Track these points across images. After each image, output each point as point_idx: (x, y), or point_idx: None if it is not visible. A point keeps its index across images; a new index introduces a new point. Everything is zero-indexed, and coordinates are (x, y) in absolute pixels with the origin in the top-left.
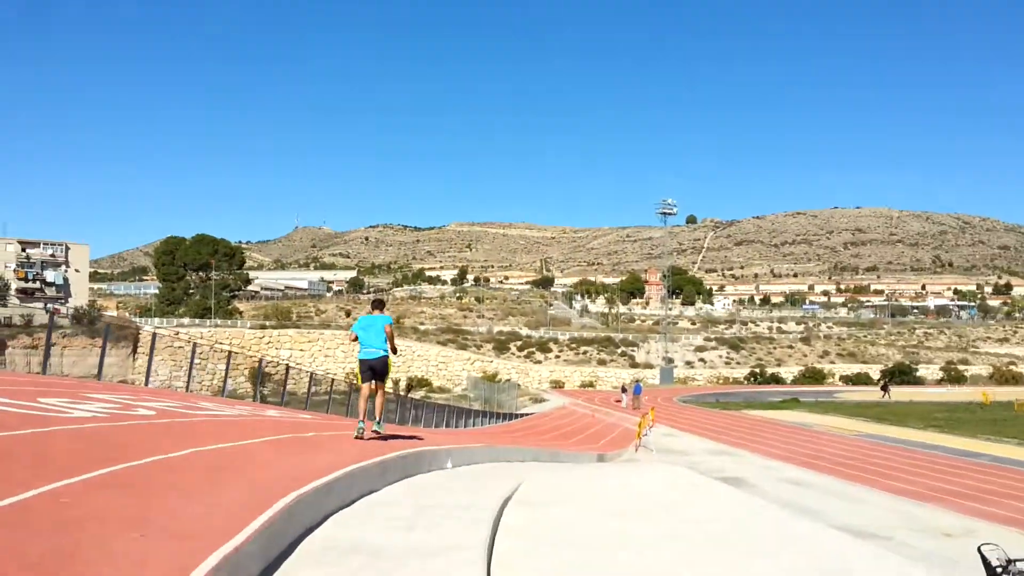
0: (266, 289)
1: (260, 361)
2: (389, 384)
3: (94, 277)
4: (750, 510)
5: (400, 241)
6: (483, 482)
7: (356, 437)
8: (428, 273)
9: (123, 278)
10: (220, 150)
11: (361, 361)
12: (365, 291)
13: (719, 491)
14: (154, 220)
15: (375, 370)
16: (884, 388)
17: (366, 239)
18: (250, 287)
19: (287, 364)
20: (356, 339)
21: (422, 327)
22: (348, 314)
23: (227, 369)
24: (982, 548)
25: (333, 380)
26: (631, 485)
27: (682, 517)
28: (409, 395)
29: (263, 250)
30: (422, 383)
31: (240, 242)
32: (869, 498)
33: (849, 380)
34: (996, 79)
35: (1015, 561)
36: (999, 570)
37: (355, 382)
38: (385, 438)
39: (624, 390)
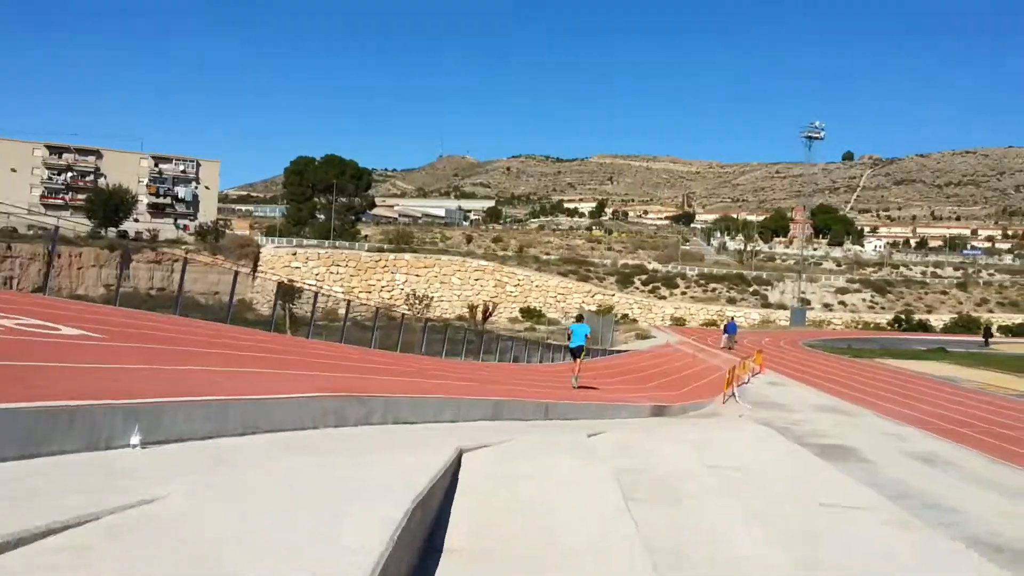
0: (404, 216)
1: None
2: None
3: (246, 199)
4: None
5: (541, 172)
6: None
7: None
8: (567, 205)
9: (263, 203)
10: (360, 79)
11: (570, 348)
12: (501, 221)
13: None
14: (292, 150)
15: (576, 352)
16: (986, 337)
17: (508, 169)
18: (389, 213)
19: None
20: (570, 335)
21: (544, 257)
22: (469, 240)
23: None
24: None
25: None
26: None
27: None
28: (486, 325)
29: (407, 178)
30: (531, 314)
31: (386, 170)
32: None
33: (1009, 331)
34: None
35: None
36: None
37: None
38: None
39: (726, 331)
